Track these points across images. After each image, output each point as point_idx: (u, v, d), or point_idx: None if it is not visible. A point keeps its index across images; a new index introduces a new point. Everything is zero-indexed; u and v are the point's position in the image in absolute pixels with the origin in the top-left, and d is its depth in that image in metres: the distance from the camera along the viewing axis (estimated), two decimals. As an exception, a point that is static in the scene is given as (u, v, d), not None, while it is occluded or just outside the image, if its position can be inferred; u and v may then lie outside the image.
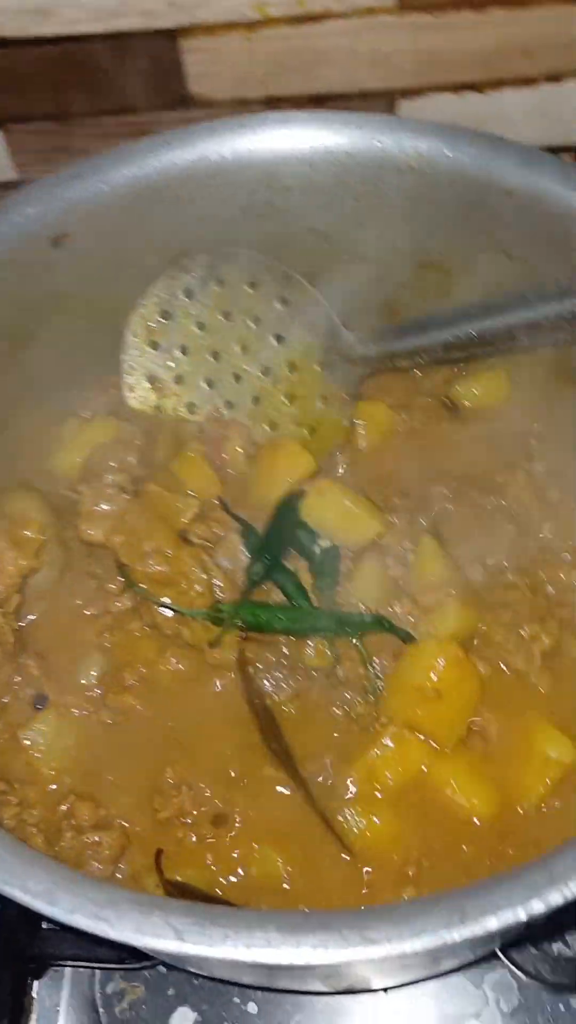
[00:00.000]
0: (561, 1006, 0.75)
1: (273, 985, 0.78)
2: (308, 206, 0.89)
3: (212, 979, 0.78)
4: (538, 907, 0.51)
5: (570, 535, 0.85)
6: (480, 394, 0.94)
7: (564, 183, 0.79)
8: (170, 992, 0.78)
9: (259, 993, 0.79)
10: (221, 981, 0.78)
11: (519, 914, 0.51)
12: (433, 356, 0.81)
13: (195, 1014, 0.73)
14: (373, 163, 0.86)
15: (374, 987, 0.76)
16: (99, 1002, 0.80)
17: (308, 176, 0.88)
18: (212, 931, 0.47)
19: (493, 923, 0.51)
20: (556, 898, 0.52)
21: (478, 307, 0.78)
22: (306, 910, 0.66)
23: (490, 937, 0.52)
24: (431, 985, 0.78)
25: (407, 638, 0.76)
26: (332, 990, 0.77)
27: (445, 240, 0.88)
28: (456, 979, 0.78)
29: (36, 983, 0.80)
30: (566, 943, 0.79)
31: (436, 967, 0.74)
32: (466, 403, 0.94)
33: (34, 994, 0.80)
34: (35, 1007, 0.79)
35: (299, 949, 0.48)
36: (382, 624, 0.76)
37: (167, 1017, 0.75)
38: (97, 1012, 0.80)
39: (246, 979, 0.74)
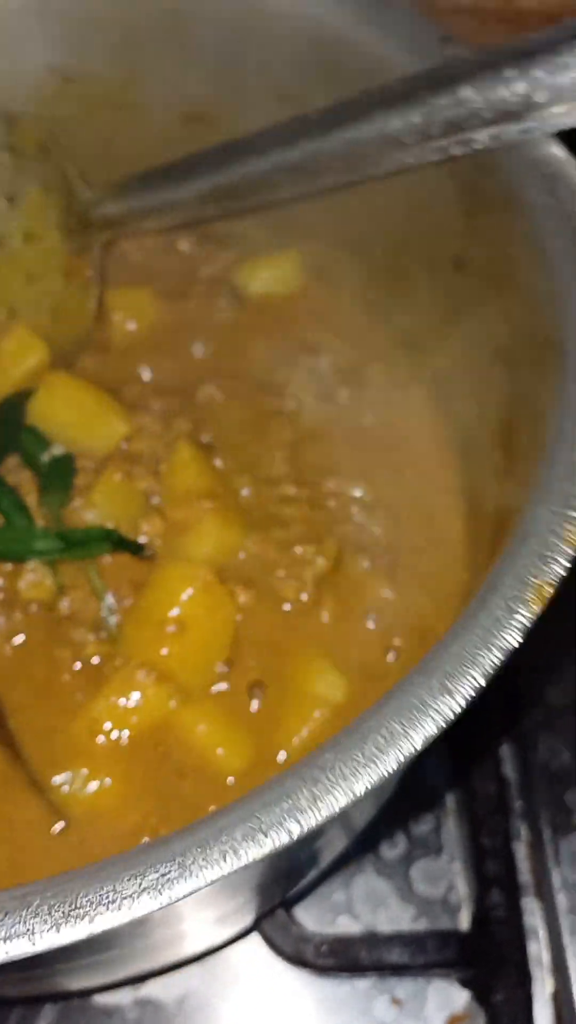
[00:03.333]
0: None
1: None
2: (43, 36, 0.72)
3: None
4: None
5: (357, 442, 0.73)
6: (266, 280, 0.80)
7: (338, 3, 0.65)
8: None
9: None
10: None
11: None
12: (186, 213, 0.66)
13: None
14: (121, -17, 0.70)
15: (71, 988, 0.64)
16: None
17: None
18: None
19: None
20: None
21: (230, 147, 0.63)
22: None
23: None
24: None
25: (143, 555, 0.63)
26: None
27: (212, 84, 0.73)
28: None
29: None
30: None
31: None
32: (248, 290, 0.80)
33: None
34: None
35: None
36: (111, 539, 0.63)
37: None
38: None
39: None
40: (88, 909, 0.36)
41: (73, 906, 0.36)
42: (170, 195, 0.66)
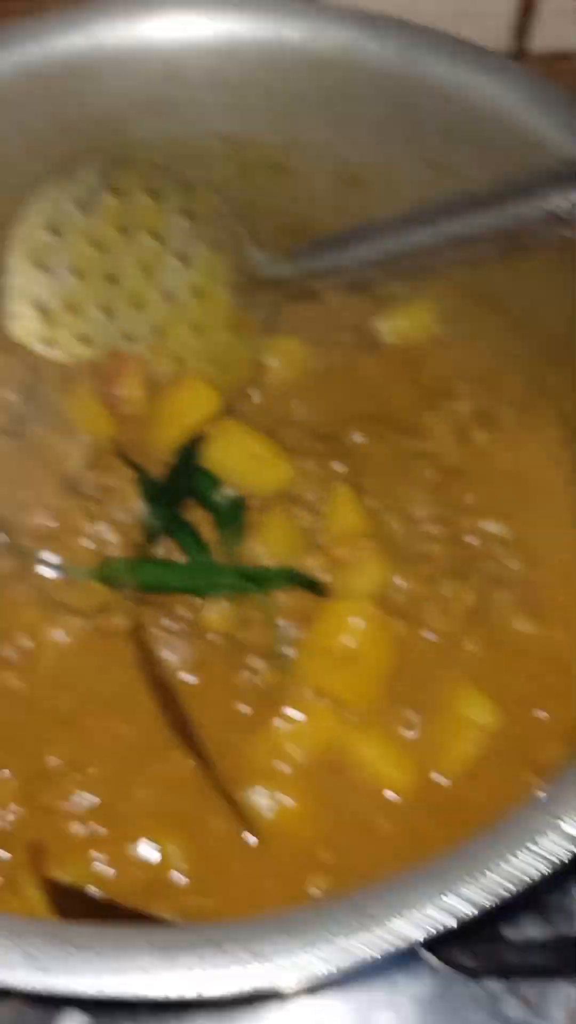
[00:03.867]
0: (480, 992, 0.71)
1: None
2: (213, 104, 0.78)
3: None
4: (464, 908, 0.46)
5: (494, 481, 0.79)
6: (403, 328, 0.86)
7: (498, 82, 0.70)
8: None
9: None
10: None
11: (438, 919, 0.45)
12: (351, 277, 0.72)
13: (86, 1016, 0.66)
14: (290, 57, 0.76)
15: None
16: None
17: (214, 70, 0.77)
18: (76, 960, 0.40)
19: (407, 930, 0.45)
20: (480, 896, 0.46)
21: (399, 219, 0.68)
22: (181, 923, 0.59)
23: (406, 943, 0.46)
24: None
25: (318, 591, 0.69)
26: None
27: (367, 149, 0.78)
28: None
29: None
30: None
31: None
32: (388, 338, 0.86)
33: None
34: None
35: (174, 973, 0.41)
36: (290, 577, 0.69)
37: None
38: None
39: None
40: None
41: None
42: (338, 260, 0.72)
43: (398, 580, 0.73)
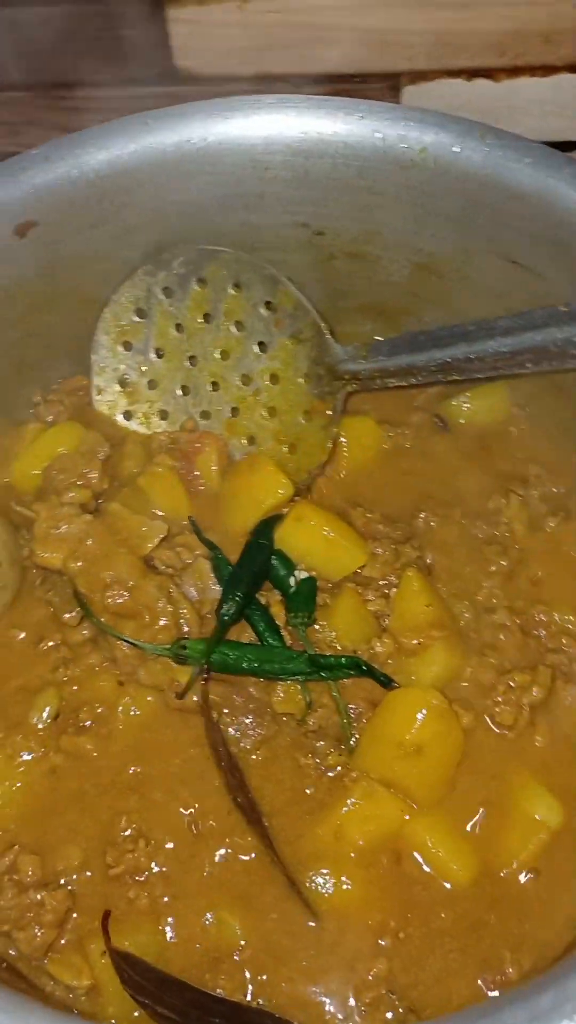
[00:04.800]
0: None
1: None
2: (297, 197, 0.82)
3: None
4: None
5: (565, 570, 0.79)
6: (475, 411, 0.87)
7: (578, 189, 0.72)
8: None
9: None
10: None
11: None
12: (428, 377, 0.74)
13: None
14: (373, 156, 0.78)
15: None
16: None
17: (300, 166, 0.80)
18: None
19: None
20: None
21: (479, 325, 0.70)
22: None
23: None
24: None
25: (388, 684, 0.70)
26: None
27: (446, 243, 0.81)
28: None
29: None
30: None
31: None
32: (460, 420, 0.87)
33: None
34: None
35: None
36: (360, 668, 0.70)
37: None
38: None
39: None
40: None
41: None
42: (413, 361, 0.73)
43: (466, 670, 0.73)
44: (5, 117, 0.95)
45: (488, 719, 0.72)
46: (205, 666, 0.70)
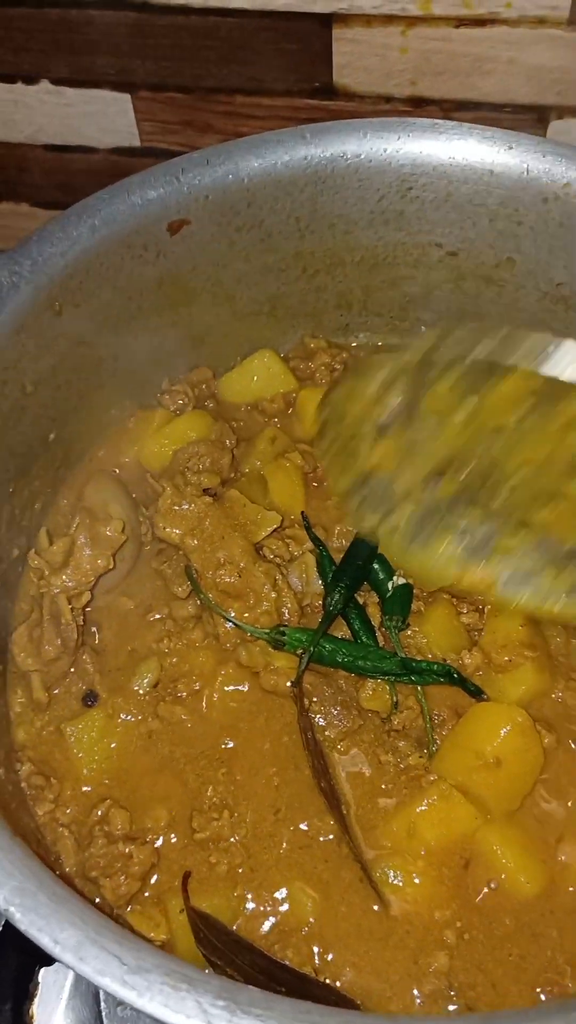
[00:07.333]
0: None
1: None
2: (438, 219, 0.85)
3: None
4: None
5: None
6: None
7: None
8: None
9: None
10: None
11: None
12: None
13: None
14: (516, 186, 0.81)
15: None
16: (102, 996, 0.80)
17: (443, 189, 0.83)
18: (242, 1020, 0.45)
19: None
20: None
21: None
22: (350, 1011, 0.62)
23: None
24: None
25: (478, 695, 0.73)
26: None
27: (577, 273, 0.83)
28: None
29: (43, 970, 0.79)
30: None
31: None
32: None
33: (39, 979, 0.79)
34: (39, 993, 0.78)
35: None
36: (452, 677, 0.73)
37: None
38: (99, 1006, 0.79)
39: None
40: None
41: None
42: None
43: (553, 692, 0.75)
44: (164, 116, 1.00)
45: (572, 742, 0.74)
46: (309, 654, 0.73)
